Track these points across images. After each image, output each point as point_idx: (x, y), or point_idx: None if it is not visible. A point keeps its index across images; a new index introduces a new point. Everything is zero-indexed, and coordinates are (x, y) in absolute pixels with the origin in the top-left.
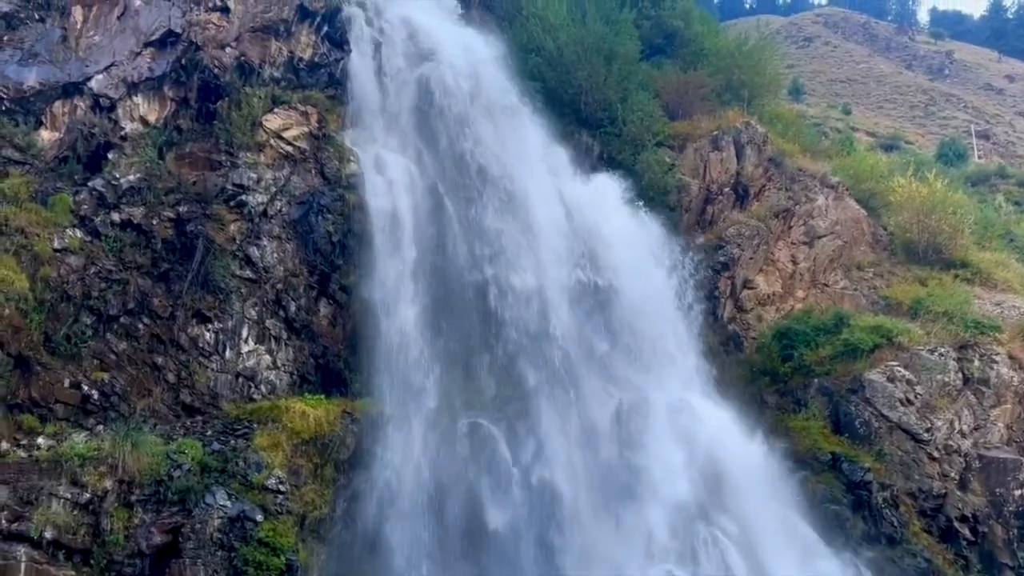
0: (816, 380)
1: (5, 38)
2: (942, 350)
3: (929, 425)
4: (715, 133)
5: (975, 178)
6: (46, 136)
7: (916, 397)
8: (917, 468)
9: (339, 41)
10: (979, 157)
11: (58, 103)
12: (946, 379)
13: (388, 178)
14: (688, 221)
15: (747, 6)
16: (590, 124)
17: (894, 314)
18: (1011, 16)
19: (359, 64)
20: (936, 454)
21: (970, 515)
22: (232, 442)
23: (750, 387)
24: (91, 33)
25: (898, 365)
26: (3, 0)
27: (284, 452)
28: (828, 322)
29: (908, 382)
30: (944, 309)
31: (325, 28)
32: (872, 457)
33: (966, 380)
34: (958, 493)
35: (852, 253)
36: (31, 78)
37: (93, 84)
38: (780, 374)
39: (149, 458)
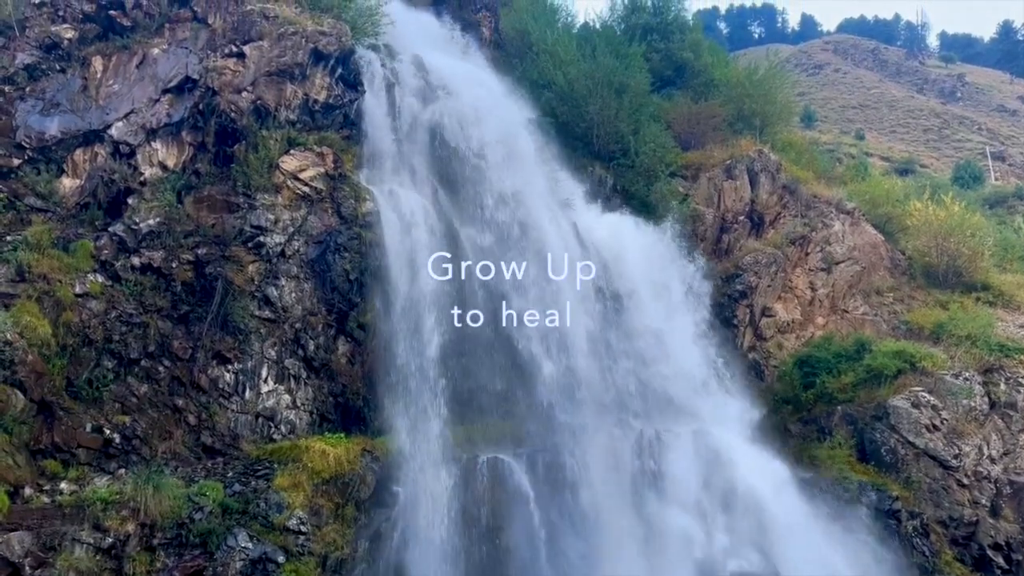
0: (839, 408)
1: (27, 89)
2: (967, 374)
3: (957, 451)
4: (728, 162)
5: (992, 200)
6: (67, 183)
7: (942, 423)
8: (947, 495)
9: (353, 83)
10: (996, 179)
11: (79, 151)
12: (972, 404)
13: (404, 215)
14: (704, 250)
15: (755, 36)
16: (603, 156)
17: (916, 339)
18: (1022, 38)
19: (373, 104)
20: (965, 481)
21: (1003, 543)
22: (253, 483)
23: (772, 416)
24: (110, 82)
25: (922, 390)
26: (25, 53)
27: (305, 492)
28: (849, 348)
29: (933, 408)
30: (967, 333)
31: (339, 70)
32: (900, 485)
33: (992, 404)
34: (990, 520)
35: (871, 278)
36: (53, 127)
37: (113, 131)
38: (802, 402)
39: (171, 501)
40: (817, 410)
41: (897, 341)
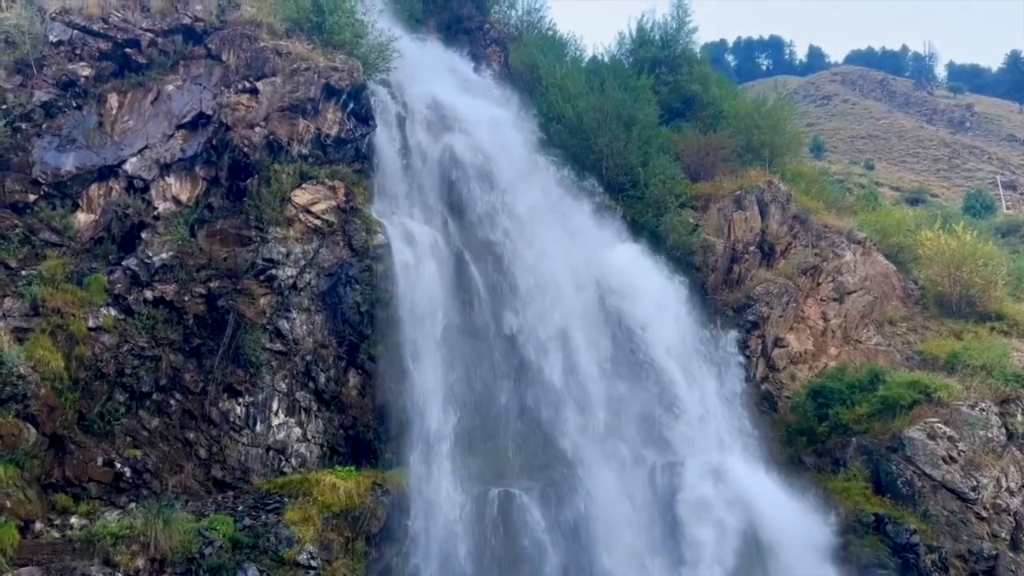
0: (854, 439)
1: (44, 125)
2: (983, 405)
3: (975, 483)
4: (738, 193)
5: (1004, 229)
6: (82, 218)
7: (959, 454)
8: (965, 529)
9: (364, 117)
10: (1007, 208)
11: (94, 186)
12: (989, 435)
13: (414, 247)
14: (715, 281)
15: (763, 68)
16: (612, 188)
17: (930, 369)
18: None
19: (384, 138)
20: (984, 513)
21: None
22: (263, 517)
23: (786, 448)
24: (126, 118)
25: (938, 421)
26: (42, 90)
27: (315, 526)
28: (863, 379)
29: (950, 439)
30: (982, 363)
31: (351, 105)
32: (917, 518)
33: (1010, 435)
34: (1010, 554)
35: (883, 308)
36: (68, 163)
37: (127, 166)
38: (817, 433)
39: (181, 535)
40: (831, 441)
41: (911, 371)
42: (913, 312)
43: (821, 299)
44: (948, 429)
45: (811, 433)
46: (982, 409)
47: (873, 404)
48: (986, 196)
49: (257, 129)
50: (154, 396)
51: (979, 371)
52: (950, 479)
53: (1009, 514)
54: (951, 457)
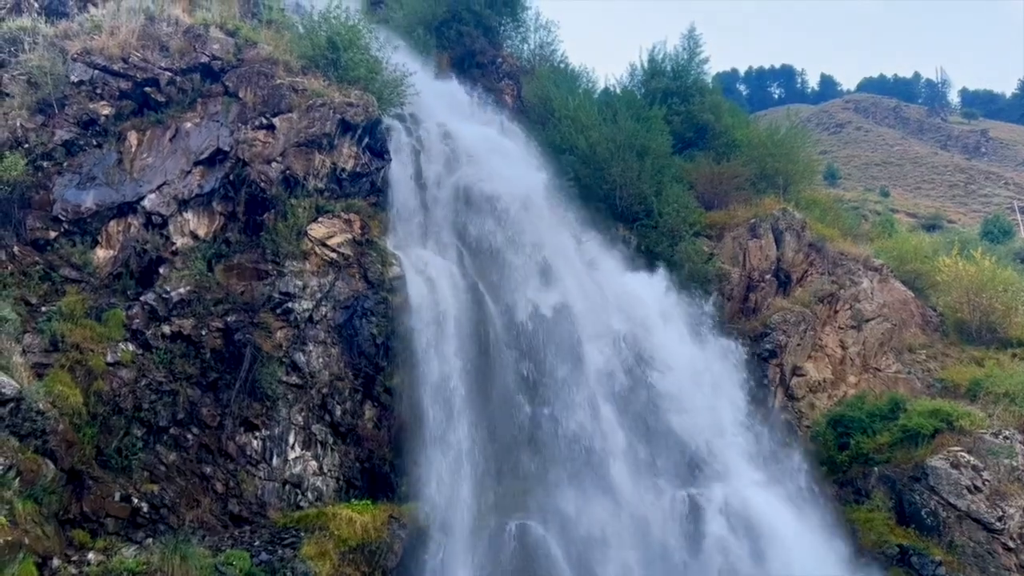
0: (876, 469)
1: (65, 164)
2: (1007, 433)
3: (1001, 513)
4: (752, 221)
5: (1023, 254)
6: (101, 254)
7: (984, 484)
8: (992, 560)
9: (379, 151)
10: None
11: (113, 222)
12: (1014, 463)
13: (430, 279)
14: (731, 309)
15: (776, 96)
16: (626, 218)
17: (952, 397)
18: None
19: (399, 172)
20: (1011, 544)
21: None
22: (280, 552)
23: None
24: (144, 155)
25: (961, 450)
26: (63, 129)
27: (331, 561)
28: (884, 407)
29: (974, 468)
30: (1004, 390)
31: (366, 139)
32: (943, 549)
33: None
34: None
35: (902, 335)
36: (88, 200)
37: (146, 203)
38: (838, 463)
39: (197, 571)
40: (853, 471)
41: (932, 399)
42: (933, 339)
43: (839, 327)
44: (972, 458)
45: (832, 463)
46: (1006, 437)
47: (894, 433)
48: (1003, 221)
49: (274, 164)
50: (171, 430)
51: (1002, 398)
52: (975, 509)
53: None
54: (976, 486)
